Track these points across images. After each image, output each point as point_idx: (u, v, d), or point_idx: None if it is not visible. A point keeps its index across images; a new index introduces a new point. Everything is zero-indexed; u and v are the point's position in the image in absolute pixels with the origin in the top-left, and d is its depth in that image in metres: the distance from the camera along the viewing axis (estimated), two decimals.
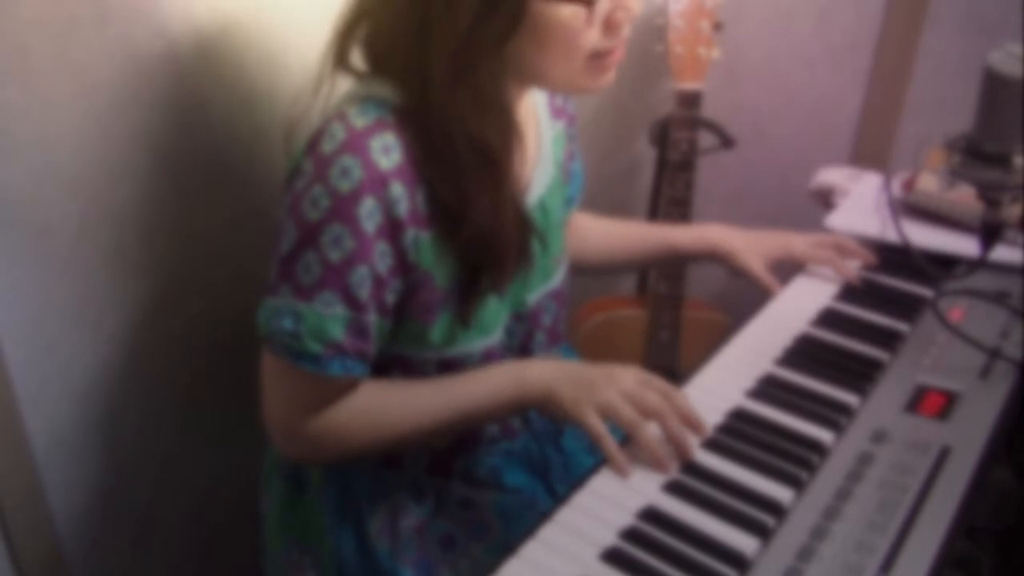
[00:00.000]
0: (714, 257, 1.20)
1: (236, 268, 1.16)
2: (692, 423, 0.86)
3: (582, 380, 0.88)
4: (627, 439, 0.85)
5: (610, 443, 0.83)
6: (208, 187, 1.10)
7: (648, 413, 0.85)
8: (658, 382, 0.88)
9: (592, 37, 0.83)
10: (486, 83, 0.81)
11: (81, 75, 0.94)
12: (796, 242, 1.20)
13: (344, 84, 0.88)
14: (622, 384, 0.86)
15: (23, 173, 0.92)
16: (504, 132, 0.85)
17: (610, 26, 0.83)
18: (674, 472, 0.83)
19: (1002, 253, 1.08)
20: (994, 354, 0.98)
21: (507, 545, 0.76)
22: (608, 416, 0.85)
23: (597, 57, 0.85)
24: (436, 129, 0.81)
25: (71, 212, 0.98)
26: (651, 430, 0.84)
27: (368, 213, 0.80)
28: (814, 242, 1.20)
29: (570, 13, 0.79)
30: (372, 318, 0.84)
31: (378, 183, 0.80)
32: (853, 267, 1.17)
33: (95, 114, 0.96)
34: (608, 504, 0.80)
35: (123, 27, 0.96)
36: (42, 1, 0.88)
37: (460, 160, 0.82)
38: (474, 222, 0.84)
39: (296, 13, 1.10)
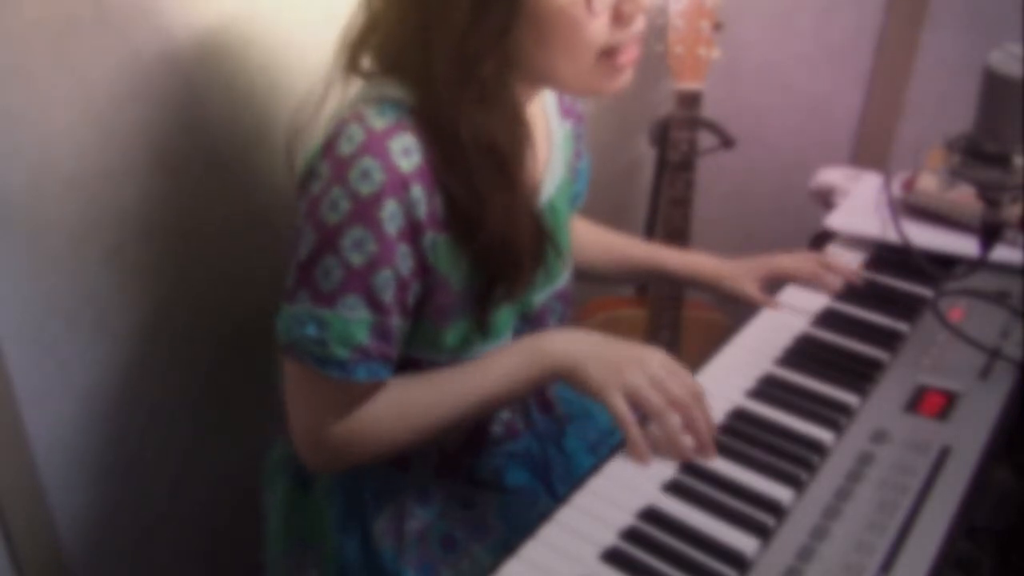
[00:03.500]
0: (704, 285, 1.20)
1: (237, 267, 1.16)
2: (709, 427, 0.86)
3: (609, 359, 0.86)
4: (644, 420, 0.86)
5: (635, 429, 0.83)
6: (208, 186, 1.10)
7: (672, 401, 0.84)
8: (683, 373, 0.88)
9: (600, 31, 0.80)
10: (491, 80, 0.80)
11: (81, 75, 0.94)
12: (781, 257, 1.19)
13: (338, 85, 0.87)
14: (649, 369, 0.86)
15: (23, 173, 0.92)
16: (513, 133, 0.83)
17: (619, 18, 0.81)
18: (674, 471, 0.83)
19: (1002, 253, 1.07)
20: (994, 354, 0.98)
21: (508, 545, 0.76)
22: (634, 399, 0.84)
23: (609, 55, 0.83)
24: (446, 131, 0.80)
25: (71, 212, 0.98)
26: (676, 419, 0.84)
27: (390, 216, 0.79)
28: (800, 257, 1.19)
29: (569, 3, 0.77)
30: (395, 321, 0.83)
31: (399, 185, 0.79)
32: (838, 281, 1.15)
33: (95, 113, 0.96)
34: (608, 504, 0.80)
35: (123, 26, 0.96)
36: (42, 1, 0.88)
37: (471, 162, 0.81)
38: (489, 228, 0.83)
39: (295, 12, 1.10)
